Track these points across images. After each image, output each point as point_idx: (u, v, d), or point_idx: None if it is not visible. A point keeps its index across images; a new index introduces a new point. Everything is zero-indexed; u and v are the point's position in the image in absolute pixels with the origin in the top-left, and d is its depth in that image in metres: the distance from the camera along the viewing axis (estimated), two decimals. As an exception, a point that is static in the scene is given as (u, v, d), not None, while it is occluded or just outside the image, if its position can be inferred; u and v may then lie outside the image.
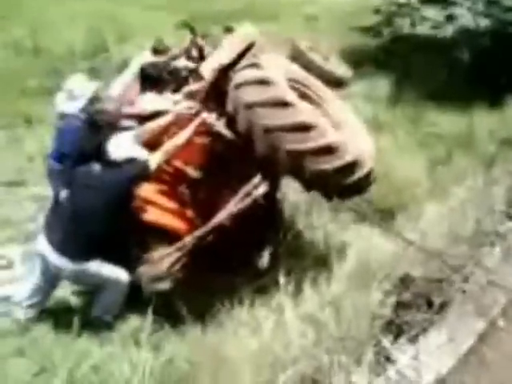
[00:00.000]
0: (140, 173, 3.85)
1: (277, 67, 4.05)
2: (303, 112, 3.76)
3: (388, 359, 3.25)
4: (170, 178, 4.21)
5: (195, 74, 4.63)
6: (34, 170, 5.80)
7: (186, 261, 3.94)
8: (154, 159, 3.90)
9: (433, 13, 8.43)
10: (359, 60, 8.02)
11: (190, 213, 4.20)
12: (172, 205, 4.13)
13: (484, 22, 7.40)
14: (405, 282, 3.72)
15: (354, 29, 9.52)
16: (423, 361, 3.14)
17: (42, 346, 3.73)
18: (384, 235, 4.13)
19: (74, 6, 10.22)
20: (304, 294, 3.73)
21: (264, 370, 3.23)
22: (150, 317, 3.81)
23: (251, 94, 3.75)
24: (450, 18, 7.99)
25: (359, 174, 3.88)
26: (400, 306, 3.54)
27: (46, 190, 5.01)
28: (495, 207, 4.53)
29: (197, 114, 4.10)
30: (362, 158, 3.87)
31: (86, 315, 3.92)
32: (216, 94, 4.15)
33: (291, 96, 3.78)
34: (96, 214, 3.74)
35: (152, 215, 3.97)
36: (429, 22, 8.47)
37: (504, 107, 6.44)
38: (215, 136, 4.07)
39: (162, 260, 3.95)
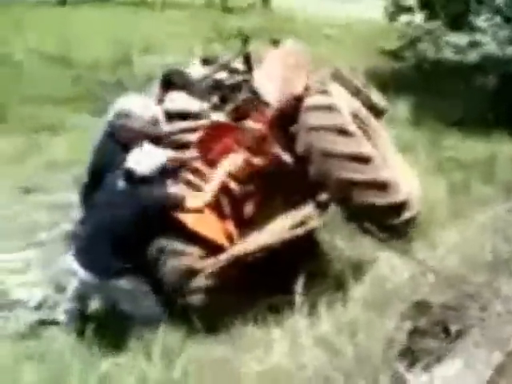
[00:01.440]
0: (169, 207, 3.79)
1: (344, 98, 4.15)
2: (362, 144, 3.88)
3: (403, 385, 3.20)
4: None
5: (248, 91, 4.44)
6: (52, 178, 5.87)
7: (223, 275, 3.86)
8: (202, 197, 3.86)
9: (457, 38, 8.43)
10: (381, 83, 8.04)
11: (229, 226, 4.16)
12: (212, 216, 4.07)
13: (509, 50, 7.39)
14: (421, 307, 3.66)
15: (376, 51, 9.56)
16: (438, 390, 3.08)
17: (53, 351, 3.73)
18: (402, 260, 4.09)
19: (98, 17, 10.43)
20: (319, 316, 3.71)
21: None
22: (162, 330, 3.82)
23: (316, 118, 3.88)
24: (475, 45, 7.99)
25: (406, 215, 3.91)
26: (416, 332, 3.48)
27: (65, 198, 5.07)
28: (514, 236, 4.46)
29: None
30: (411, 199, 3.90)
31: (100, 323, 3.93)
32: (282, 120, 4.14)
33: (353, 127, 3.89)
34: (121, 232, 3.71)
35: (192, 222, 3.87)
36: (453, 47, 8.48)
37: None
38: (274, 160, 4.09)
39: (198, 273, 3.88)
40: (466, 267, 4.06)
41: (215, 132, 4.23)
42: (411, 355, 3.37)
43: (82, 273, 3.73)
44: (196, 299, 3.95)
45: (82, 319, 3.90)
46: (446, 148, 6.40)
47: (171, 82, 4.79)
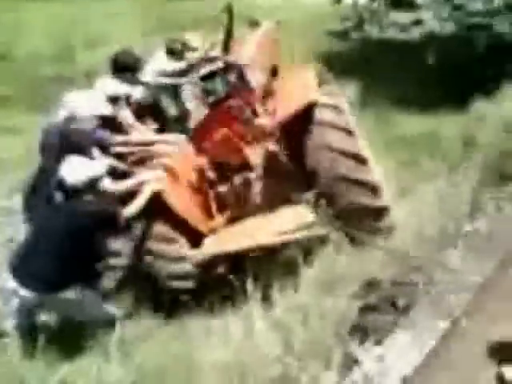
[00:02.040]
0: (105, 224, 3.76)
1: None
2: (361, 145, 4.16)
3: (355, 362, 3.29)
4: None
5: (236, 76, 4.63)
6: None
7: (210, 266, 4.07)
8: (130, 209, 3.86)
9: (400, 17, 8.55)
10: (328, 65, 8.10)
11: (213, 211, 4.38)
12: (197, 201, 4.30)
13: (449, 26, 7.54)
14: (371, 285, 3.77)
15: (322, 33, 9.60)
16: (388, 362, 3.19)
17: (4, 363, 3.66)
18: (350, 240, 4.17)
19: (38, 11, 10.08)
20: (272, 301, 3.77)
21: (233, 377, 3.25)
22: (118, 330, 3.81)
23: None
24: (417, 23, 8.12)
25: (386, 220, 4.12)
26: (366, 309, 3.58)
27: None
28: (459, 208, 4.61)
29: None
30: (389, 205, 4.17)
31: (53, 331, 3.88)
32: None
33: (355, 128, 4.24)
34: (58, 245, 3.62)
35: (178, 206, 4.01)
36: (397, 26, 8.59)
37: (469, 109, 6.56)
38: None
39: (192, 259, 4.03)
40: (413, 242, 4.18)
41: (214, 121, 4.43)
42: (362, 332, 3.46)
43: (21, 290, 3.61)
44: (183, 284, 4.08)
45: (32, 330, 3.83)
46: (392, 126, 6.51)
47: (121, 64, 4.74)
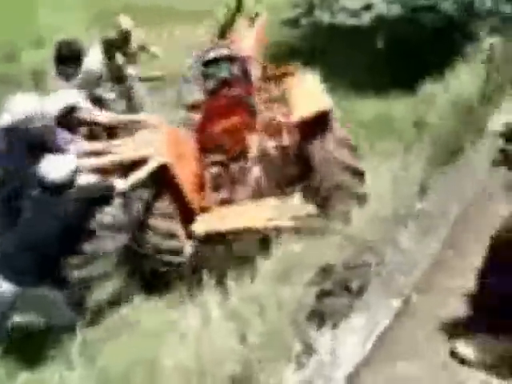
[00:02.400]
0: (102, 196, 3.88)
1: None
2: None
3: (313, 350, 3.33)
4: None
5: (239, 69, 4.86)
6: None
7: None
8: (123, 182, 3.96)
9: (350, 3, 8.60)
10: (281, 52, 8.13)
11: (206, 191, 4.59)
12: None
13: (396, 9, 7.63)
14: (326, 271, 3.81)
15: (277, 22, 9.59)
16: (344, 344, 3.24)
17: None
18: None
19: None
20: (229, 292, 3.78)
21: (193, 375, 3.26)
22: (79, 335, 3.78)
23: None
24: (367, 8, 8.20)
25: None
26: (321, 295, 3.63)
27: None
28: (411, 188, 4.70)
29: None
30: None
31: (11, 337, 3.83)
32: None
33: None
34: (48, 240, 3.68)
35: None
36: (347, 11, 8.64)
37: (419, 90, 6.67)
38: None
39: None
40: (367, 223, 4.24)
41: (218, 107, 4.67)
42: (319, 318, 3.50)
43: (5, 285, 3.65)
44: (177, 259, 4.26)
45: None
46: (346, 110, 6.55)
47: (63, 54, 4.82)
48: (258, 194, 4.58)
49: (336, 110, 6.29)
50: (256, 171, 4.63)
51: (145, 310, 4.00)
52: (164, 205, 4.24)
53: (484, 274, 3.07)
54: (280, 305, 3.54)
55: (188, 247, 4.34)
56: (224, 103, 4.69)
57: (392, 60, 7.29)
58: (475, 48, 7.08)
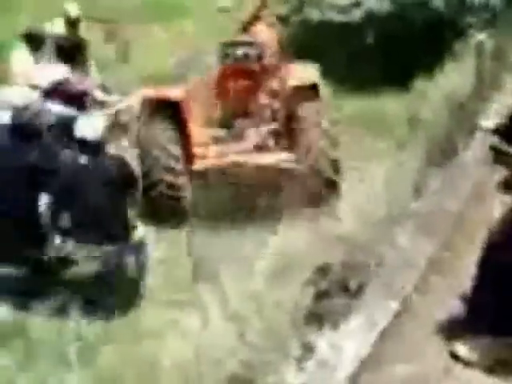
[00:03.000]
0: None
1: None
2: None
3: (312, 350, 3.32)
4: None
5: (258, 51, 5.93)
6: None
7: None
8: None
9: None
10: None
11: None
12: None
13: (387, 5, 7.63)
14: (323, 271, 3.80)
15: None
16: (343, 346, 3.23)
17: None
18: (301, 226, 4.21)
19: None
20: (226, 291, 3.75)
21: (192, 375, 3.24)
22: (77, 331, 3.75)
23: None
24: (357, 4, 8.18)
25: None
26: (319, 295, 3.61)
27: None
28: (406, 187, 4.70)
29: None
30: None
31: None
32: None
33: None
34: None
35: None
36: (336, 7, 8.63)
37: (411, 87, 6.68)
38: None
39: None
40: (362, 223, 4.24)
41: (236, 72, 5.71)
42: (318, 318, 3.49)
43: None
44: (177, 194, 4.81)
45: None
46: (337, 107, 6.55)
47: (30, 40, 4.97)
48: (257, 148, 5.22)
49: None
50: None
51: (143, 309, 3.95)
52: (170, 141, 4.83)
53: (480, 274, 3.08)
54: (278, 304, 3.52)
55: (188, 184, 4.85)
56: (236, 70, 5.73)
57: (383, 56, 7.30)
58: (466, 44, 7.10)
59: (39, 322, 3.85)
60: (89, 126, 3.90)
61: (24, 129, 4.05)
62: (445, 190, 4.68)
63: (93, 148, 3.86)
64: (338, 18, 8.54)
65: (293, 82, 5.33)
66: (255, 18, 6.19)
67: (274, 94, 5.55)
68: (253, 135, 5.28)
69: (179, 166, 4.80)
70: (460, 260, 3.70)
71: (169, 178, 4.74)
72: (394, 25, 7.49)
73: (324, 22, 8.68)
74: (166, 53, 7.37)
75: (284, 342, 3.31)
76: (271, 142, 5.27)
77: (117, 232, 3.92)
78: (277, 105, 5.47)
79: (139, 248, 4.09)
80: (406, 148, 5.51)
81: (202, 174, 4.83)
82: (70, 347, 3.66)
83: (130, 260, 4.00)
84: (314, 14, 8.78)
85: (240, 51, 5.77)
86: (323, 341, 3.30)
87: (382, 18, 7.63)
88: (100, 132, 3.93)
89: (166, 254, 4.62)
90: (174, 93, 4.91)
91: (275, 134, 5.29)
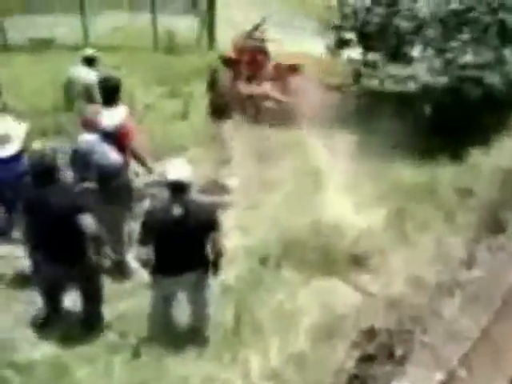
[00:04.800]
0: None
1: None
2: None
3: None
4: None
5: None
6: None
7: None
8: None
9: (396, 70, 8.79)
10: (328, 116, 8.35)
11: None
12: None
13: (442, 79, 7.75)
14: (368, 334, 3.78)
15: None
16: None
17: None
18: (347, 287, 4.21)
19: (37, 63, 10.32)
20: (269, 349, 3.75)
21: None
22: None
23: None
24: (412, 76, 8.35)
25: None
26: (363, 359, 3.58)
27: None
28: (455, 257, 4.66)
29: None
30: None
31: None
32: None
33: None
34: None
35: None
36: (392, 78, 8.83)
37: (463, 159, 6.68)
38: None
39: None
40: (409, 291, 4.21)
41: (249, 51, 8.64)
42: (360, 382, 3.45)
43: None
44: None
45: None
46: (389, 175, 6.60)
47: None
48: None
49: (376, 175, 6.50)
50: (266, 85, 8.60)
51: (182, 361, 3.95)
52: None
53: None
54: (321, 366, 3.50)
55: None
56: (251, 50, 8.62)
57: (436, 127, 7.35)
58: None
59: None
60: (179, 169, 3.72)
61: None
62: (494, 262, 4.60)
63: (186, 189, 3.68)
64: (394, 88, 8.72)
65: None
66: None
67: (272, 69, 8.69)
68: (264, 85, 8.56)
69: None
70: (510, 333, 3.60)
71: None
72: (450, 98, 7.58)
73: (381, 92, 8.87)
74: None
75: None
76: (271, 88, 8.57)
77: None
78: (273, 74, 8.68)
79: None
80: (457, 219, 5.47)
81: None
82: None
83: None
84: (370, 84, 8.98)
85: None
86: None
87: (437, 90, 7.73)
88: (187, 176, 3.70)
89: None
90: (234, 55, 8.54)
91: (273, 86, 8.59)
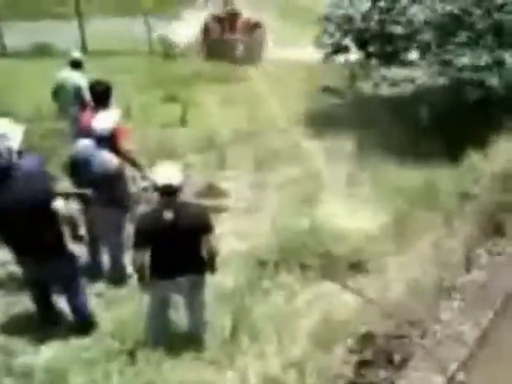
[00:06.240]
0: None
1: None
2: None
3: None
4: None
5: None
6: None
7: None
8: None
9: (392, 73, 8.80)
10: (324, 120, 8.35)
11: None
12: None
13: (440, 81, 7.75)
14: (366, 339, 3.75)
15: (317, 90, 9.88)
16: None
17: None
18: (346, 292, 4.19)
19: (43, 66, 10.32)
20: (267, 355, 3.72)
21: None
22: None
23: None
24: (409, 79, 8.36)
25: None
26: (362, 364, 3.55)
27: None
28: (454, 260, 4.64)
29: None
30: None
31: None
32: None
33: None
34: None
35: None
36: (388, 81, 8.84)
37: (462, 161, 6.66)
38: None
39: None
40: (408, 295, 4.18)
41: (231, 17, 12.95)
42: (360, 388, 3.42)
43: None
44: None
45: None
46: (387, 178, 6.58)
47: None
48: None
49: (375, 178, 6.48)
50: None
51: (180, 366, 3.92)
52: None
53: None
54: (319, 371, 3.47)
55: None
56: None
57: (435, 130, 7.35)
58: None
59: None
60: (169, 172, 3.62)
61: None
62: (492, 265, 4.58)
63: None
64: (388, 91, 8.73)
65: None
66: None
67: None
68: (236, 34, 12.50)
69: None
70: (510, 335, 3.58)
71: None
72: (447, 99, 7.59)
73: (376, 95, 8.88)
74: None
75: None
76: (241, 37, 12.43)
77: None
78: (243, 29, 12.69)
79: None
80: (456, 222, 5.45)
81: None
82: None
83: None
84: (366, 87, 8.99)
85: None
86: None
87: (434, 93, 7.75)
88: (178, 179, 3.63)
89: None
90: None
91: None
